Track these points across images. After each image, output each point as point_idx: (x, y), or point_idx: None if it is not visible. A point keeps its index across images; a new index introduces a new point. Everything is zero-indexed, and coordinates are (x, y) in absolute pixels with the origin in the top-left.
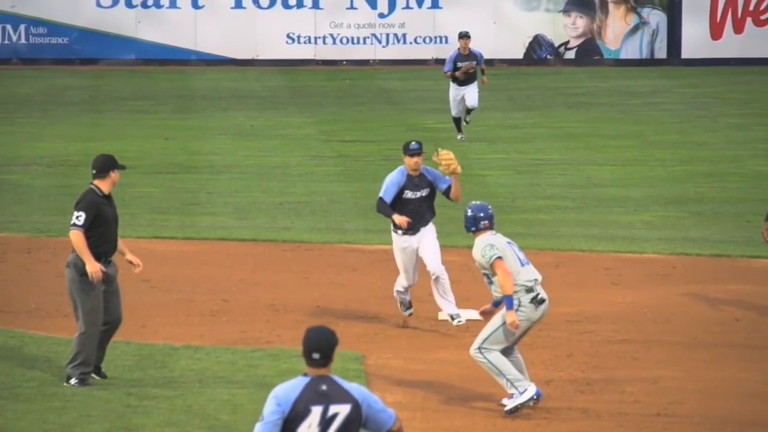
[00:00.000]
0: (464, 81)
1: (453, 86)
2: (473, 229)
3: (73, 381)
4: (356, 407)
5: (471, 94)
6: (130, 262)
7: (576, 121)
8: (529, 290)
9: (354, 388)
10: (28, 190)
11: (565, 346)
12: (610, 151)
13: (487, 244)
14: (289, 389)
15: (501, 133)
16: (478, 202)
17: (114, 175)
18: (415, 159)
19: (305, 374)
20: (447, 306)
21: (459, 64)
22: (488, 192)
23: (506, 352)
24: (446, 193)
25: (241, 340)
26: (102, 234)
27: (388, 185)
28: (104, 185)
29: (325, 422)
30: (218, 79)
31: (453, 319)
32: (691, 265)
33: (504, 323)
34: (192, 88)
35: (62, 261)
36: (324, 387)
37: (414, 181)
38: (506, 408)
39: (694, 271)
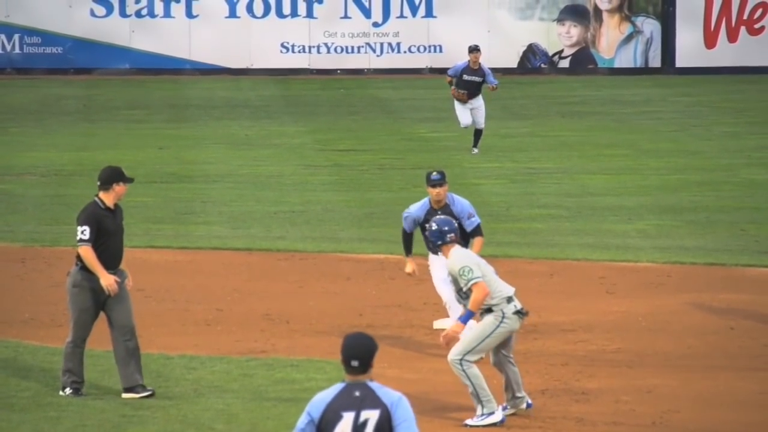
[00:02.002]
0: (469, 95)
1: (457, 103)
2: (439, 242)
3: (67, 391)
4: (385, 412)
5: (478, 114)
6: None
7: (570, 130)
8: (510, 300)
9: (387, 393)
10: (23, 200)
11: (559, 355)
12: (604, 160)
13: (466, 265)
14: (322, 396)
15: (495, 142)
16: (441, 216)
17: (118, 187)
18: (437, 190)
19: (343, 381)
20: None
21: (466, 77)
22: (482, 201)
23: (502, 364)
24: (469, 234)
25: (236, 350)
26: (102, 245)
27: (406, 217)
28: (108, 198)
29: (357, 428)
30: (212, 89)
31: None
32: (686, 273)
33: (490, 334)
34: (186, 98)
35: (57, 271)
36: (357, 393)
37: (436, 214)
38: (467, 422)
39: (689, 280)
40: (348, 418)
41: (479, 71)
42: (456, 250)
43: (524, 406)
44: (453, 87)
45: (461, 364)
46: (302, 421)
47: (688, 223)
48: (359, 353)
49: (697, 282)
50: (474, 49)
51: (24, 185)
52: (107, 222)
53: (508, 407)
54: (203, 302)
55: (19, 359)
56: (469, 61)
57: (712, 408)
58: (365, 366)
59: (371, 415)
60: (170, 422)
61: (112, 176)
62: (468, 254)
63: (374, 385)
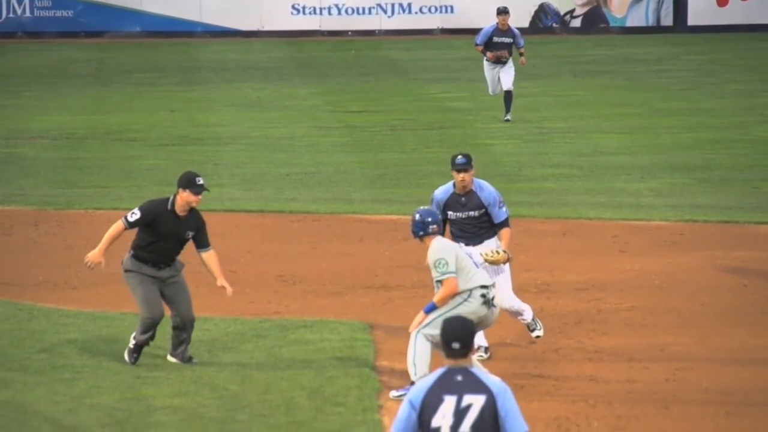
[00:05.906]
0: (499, 59)
1: (487, 64)
2: (421, 233)
3: (131, 343)
4: (491, 399)
5: (506, 76)
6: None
7: (582, 90)
8: (484, 287)
9: (492, 381)
10: (35, 163)
11: (573, 313)
12: (616, 119)
13: (442, 258)
14: (422, 383)
15: None
16: (425, 207)
17: (184, 194)
18: (462, 175)
19: (443, 366)
20: (524, 315)
21: (495, 39)
22: (495, 161)
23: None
24: (497, 225)
25: (249, 311)
26: (152, 244)
27: (432, 205)
28: (178, 200)
29: (459, 412)
30: (224, 51)
31: (531, 330)
32: (699, 231)
33: (451, 309)
34: (198, 60)
35: (69, 234)
36: (459, 377)
37: (460, 200)
38: (393, 395)
39: (702, 238)
40: (450, 401)
41: (508, 32)
42: (437, 240)
43: None
44: (493, 45)
45: (415, 336)
46: (403, 411)
47: (701, 181)
48: (460, 335)
49: (711, 240)
50: (502, 11)
51: (36, 149)
52: (165, 222)
53: None
54: None
55: (34, 321)
56: (497, 23)
57: (725, 365)
58: (466, 348)
59: (475, 400)
60: (185, 383)
61: (179, 181)
62: (448, 246)
63: (476, 370)
